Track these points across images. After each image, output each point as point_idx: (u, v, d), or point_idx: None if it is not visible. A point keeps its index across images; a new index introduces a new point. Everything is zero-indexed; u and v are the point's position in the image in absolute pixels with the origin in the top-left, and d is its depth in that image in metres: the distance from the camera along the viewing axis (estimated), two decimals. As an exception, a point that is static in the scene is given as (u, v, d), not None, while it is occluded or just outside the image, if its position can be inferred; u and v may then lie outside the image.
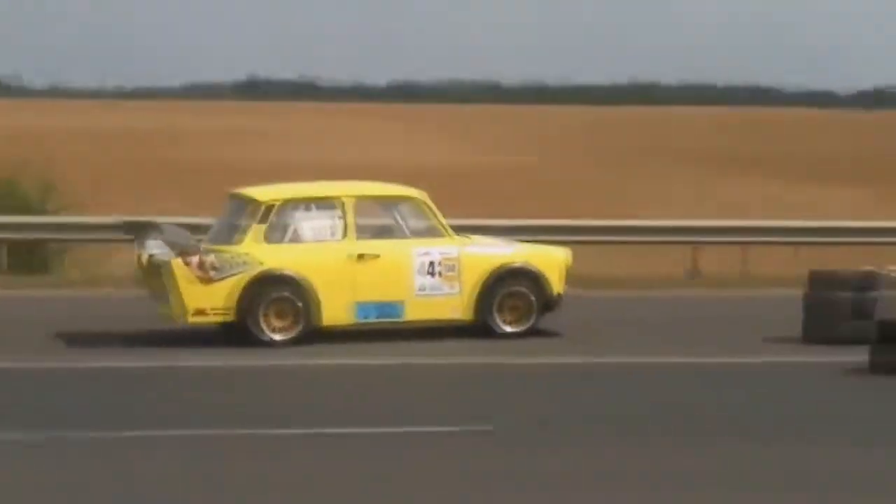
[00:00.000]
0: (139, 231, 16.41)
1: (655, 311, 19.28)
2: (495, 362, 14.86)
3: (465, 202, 25.28)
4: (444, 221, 16.37)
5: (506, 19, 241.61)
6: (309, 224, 16.12)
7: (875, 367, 13.49)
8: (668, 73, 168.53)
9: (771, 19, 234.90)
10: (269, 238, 15.89)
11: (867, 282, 15.68)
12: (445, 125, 73.94)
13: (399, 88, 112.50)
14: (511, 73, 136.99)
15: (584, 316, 16.90)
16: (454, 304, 16.08)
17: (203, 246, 15.88)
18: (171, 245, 15.76)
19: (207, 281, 15.46)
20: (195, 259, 15.49)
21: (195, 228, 18.11)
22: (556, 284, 16.34)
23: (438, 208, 16.34)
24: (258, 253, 15.70)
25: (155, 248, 15.94)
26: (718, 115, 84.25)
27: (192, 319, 15.60)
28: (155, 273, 15.97)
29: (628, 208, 32.47)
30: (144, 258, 16.11)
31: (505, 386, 13.66)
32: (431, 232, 16.29)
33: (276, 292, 15.65)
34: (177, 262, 15.46)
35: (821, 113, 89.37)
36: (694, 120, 79.13)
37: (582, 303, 17.27)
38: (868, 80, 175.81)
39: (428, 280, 16.05)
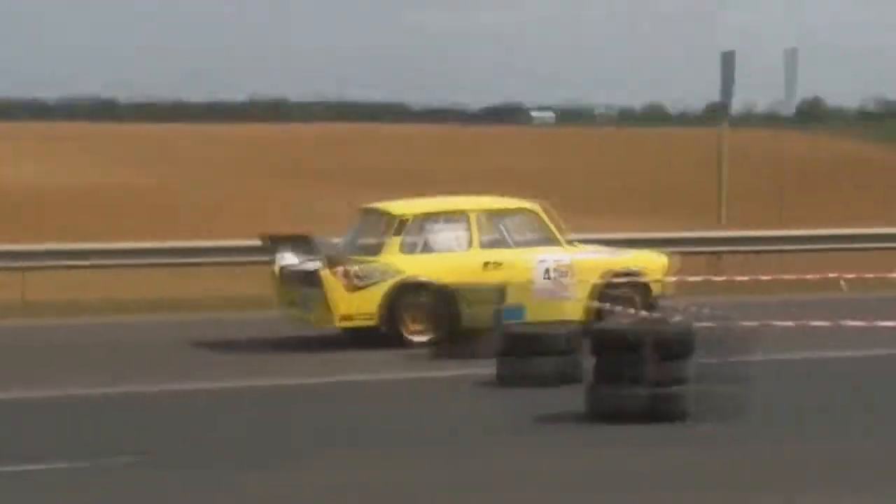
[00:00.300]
0: (277, 244, 17.87)
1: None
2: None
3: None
4: (555, 231, 17.91)
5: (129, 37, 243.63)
6: (440, 236, 17.52)
7: (501, 379, 14.03)
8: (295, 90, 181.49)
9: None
10: (405, 249, 17.26)
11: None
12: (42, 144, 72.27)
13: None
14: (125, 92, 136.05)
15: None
16: (568, 307, 17.11)
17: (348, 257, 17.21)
18: (320, 256, 17.00)
19: (353, 289, 16.70)
20: (342, 269, 16.70)
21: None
22: (656, 287, 17.85)
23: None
24: (397, 262, 17.07)
25: (288, 259, 17.50)
26: (332, 131, 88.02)
27: (339, 324, 16.95)
28: (289, 282, 17.49)
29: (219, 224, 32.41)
30: (277, 269, 17.57)
31: None
32: (545, 241, 17.76)
33: (414, 298, 16.99)
34: (325, 272, 16.65)
35: (445, 129, 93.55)
36: (302, 136, 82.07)
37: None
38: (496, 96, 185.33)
39: (546, 284, 17.40)
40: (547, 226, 17.89)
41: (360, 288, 16.74)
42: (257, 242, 18.54)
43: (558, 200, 20.80)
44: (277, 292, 17.83)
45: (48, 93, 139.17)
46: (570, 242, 18.09)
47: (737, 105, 54.25)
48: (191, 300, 21.70)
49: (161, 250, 23.49)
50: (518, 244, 17.65)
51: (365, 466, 10.37)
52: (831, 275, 20.33)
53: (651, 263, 18.22)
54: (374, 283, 16.84)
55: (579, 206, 31.01)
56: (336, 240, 18.25)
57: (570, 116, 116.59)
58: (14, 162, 58.55)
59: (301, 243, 17.50)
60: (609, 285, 17.51)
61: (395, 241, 17.19)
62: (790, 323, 14.37)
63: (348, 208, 20.83)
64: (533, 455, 10.80)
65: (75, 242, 24.11)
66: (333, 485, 9.80)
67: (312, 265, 17.02)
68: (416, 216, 17.53)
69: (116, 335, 18.52)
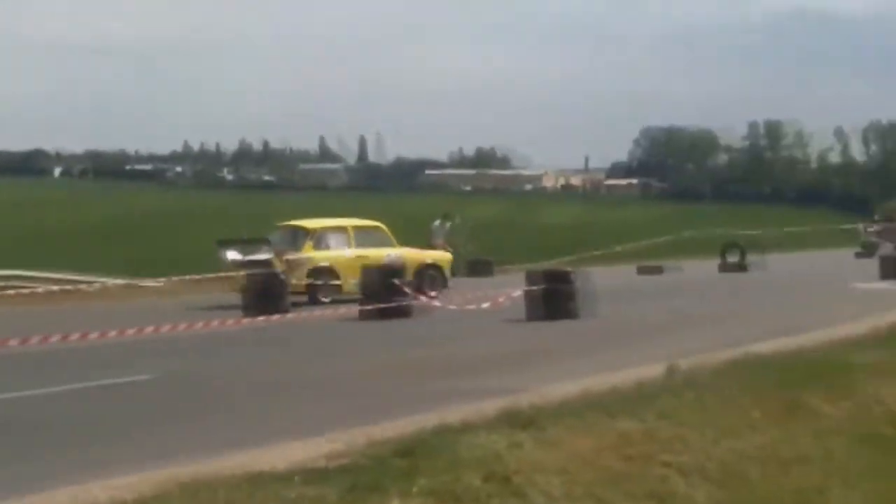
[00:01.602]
0: (225, 246, 28.10)
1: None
2: None
3: None
4: (393, 239, 29.12)
5: None
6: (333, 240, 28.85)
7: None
8: None
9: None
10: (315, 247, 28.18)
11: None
12: None
13: None
14: None
15: None
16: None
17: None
18: (269, 250, 27.41)
19: (291, 270, 26.67)
20: (284, 258, 27.08)
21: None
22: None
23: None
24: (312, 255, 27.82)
25: (234, 255, 27.29)
26: None
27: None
28: (238, 267, 26.66)
29: None
30: (228, 260, 27.50)
31: None
32: (389, 243, 28.93)
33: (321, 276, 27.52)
34: (276, 259, 27.06)
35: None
36: None
37: None
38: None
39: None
40: (389, 236, 29.30)
41: (294, 269, 26.76)
42: None
43: None
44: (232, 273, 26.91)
45: None
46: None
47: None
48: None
49: None
50: (375, 245, 28.57)
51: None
52: None
53: (443, 258, 30.68)
54: (300, 266, 27.13)
55: None
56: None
57: None
58: None
59: (249, 244, 27.74)
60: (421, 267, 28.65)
61: (309, 243, 28.05)
62: None
63: None
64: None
65: None
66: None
67: (264, 256, 26.85)
68: (319, 229, 29.04)
69: None
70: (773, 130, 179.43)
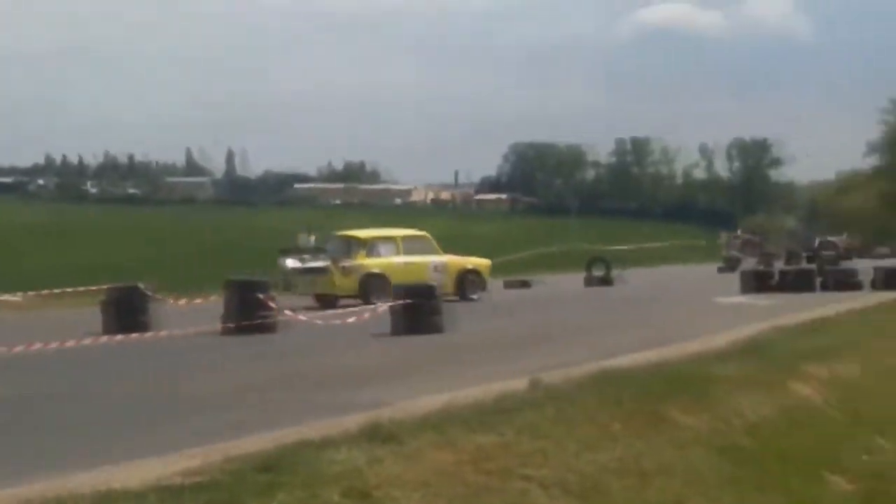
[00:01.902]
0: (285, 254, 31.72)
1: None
2: None
3: None
4: (437, 247, 32.41)
5: None
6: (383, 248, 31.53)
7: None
8: None
9: None
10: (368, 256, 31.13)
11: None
12: None
13: None
14: None
15: None
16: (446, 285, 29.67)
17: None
18: (327, 258, 30.88)
19: (346, 275, 30.50)
20: (339, 265, 30.70)
21: None
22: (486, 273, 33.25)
23: None
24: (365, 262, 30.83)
25: (292, 262, 31.18)
26: None
27: (337, 292, 30.35)
28: (296, 273, 30.68)
29: None
30: (288, 266, 31.07)
31: None
32: (433, 251, 32.16)
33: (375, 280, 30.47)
34: (332, 266, 30.63)
35: None
36: None
37: None
38: None
39: (435, 275, 30.29)
40: (433, 244, 32.38)
41: (348, 275, 30.25)
42: None
43: None
44: (292, 279, 30.28)
45: None
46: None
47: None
48: None
49: None
50: (421, 253, 31.73)
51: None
52: None
53: (482, 263, 33.29)
54: (354, 272, 30.38)
55: None
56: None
57: None
58: None
59: (308, 252, 31.61)
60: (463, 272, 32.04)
61: (362, 252, 31.05)
62: None
63: None
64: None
65: None
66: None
67: (321, 263, 30.38)
68: (371, 239, 31.90)
69: None
70: (640, 147, 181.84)
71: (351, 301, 28.32)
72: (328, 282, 30.20)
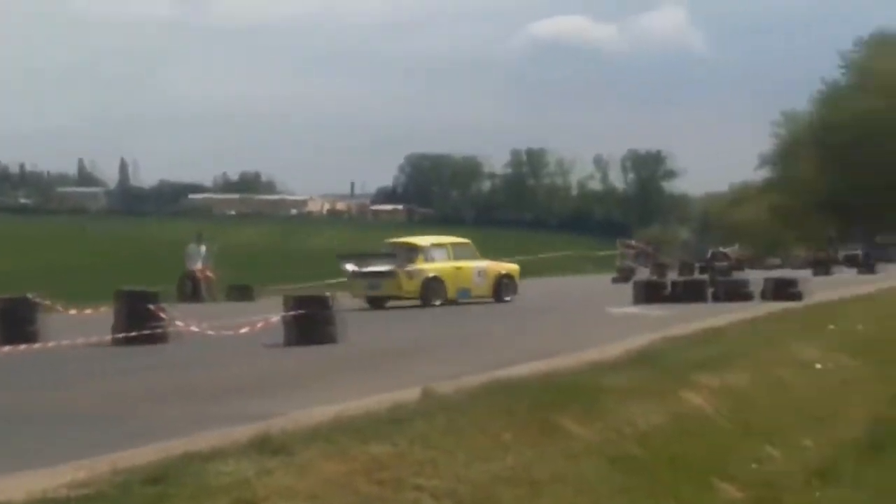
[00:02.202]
0: (344, 259, 35.72)
1: None
2: None
3: None
4: (478, 253, 35.83)
5: None
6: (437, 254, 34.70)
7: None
8: None
9: None
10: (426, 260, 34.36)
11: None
12: None
13: None
14: None
15: None
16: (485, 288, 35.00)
17: None
18: (391, 263, 33.90)
19: (409, 278, 33.66)
20: (403, 269, 33.64)
21: None
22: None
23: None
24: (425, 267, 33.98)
25: (352, 266, 34.49)
26: None
27: (402, 294, 33.58)
28: (359, 276, 34.05)
29: None
30: (350, 271, 34.58)
31: None
32: (476, 257, 35.45)
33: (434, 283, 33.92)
34: (398, 270, 33.55)
35: None
36: None
37: None
38: None
39: (478, 280, 34.82)
40: (475, 250, 35.71)
41: (412, 278, 33.30)
42: None
43: None
44: (351, 282, 33.96)
45: None
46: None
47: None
48: None
49: None
50: (467, 258, 35.06)
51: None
52: None
53: (514, 269, 36.74)
54: (415, 276, 33.37)
55: None
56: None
57: None
58: None
59: (365, 257, 35.18)
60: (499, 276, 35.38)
61: (421, 257, 34.00)
62: None
63: None
64: None
65: None
66: None
67: (384, 267, 33.47)
68: (428, 246, 34.92)
69: None
70: (536, 158, 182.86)
71: (409, 303, 33.16)
72: (394, 284, 33.25)
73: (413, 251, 34.35)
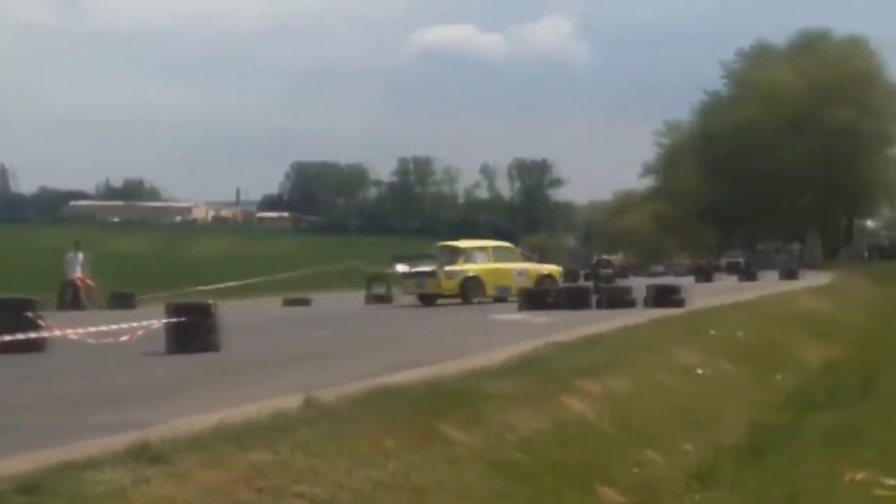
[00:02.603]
0: (397, 260, 42.88)
1: None
2: None
3: None
4: (521, 255, 42.52)
5: None
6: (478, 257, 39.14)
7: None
8: None
9: None
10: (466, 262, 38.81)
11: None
12: None
13: None
14: None
15: None
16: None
17: None
18: (434, 264, 39.06)
19: (449, 277, 38.12)
20: (444, 269, 38.51)
21: None
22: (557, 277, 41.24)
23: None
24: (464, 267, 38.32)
25: (402, 267, 40.66)
26: None
27: (442, 291, 37.80)
28: (408, 276, 39.46)
29: None
30: (400, 271, 40.63)
31: None
32: (518, 258, 41.29)
33: (472, 282, 38.33)
34: (440, 270, 38.29)
35: None
36: None
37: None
38: None
39: (519, 279, 38.22)
40: (517, 252, 41.63)
41: (451, 278, 37.27)
42: None
43: None
44: (403, 282, 39.29)
45: None
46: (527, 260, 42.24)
47: None
48: None
49: None
50: (508, 260, 39.26)
51: None
52: None
53: (554, 269, 41.27)
54: (456, 276, 37.35)
55: None
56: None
57: None
58: None
59: (415, 259, 40.72)
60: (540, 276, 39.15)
61: (462, 259, 38.18)
62: None
63: None
64: None
65: None
66: None
67: (429, 268, 38.16)
68: (469, 248, 39.45)
69: None
70: (422, 166, 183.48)
71: (451, 301, 37.19)
72: (435, 283, 37.52)
73: (455, 253, 38.89)
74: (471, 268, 37.73)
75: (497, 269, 37.76)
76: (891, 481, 8.02)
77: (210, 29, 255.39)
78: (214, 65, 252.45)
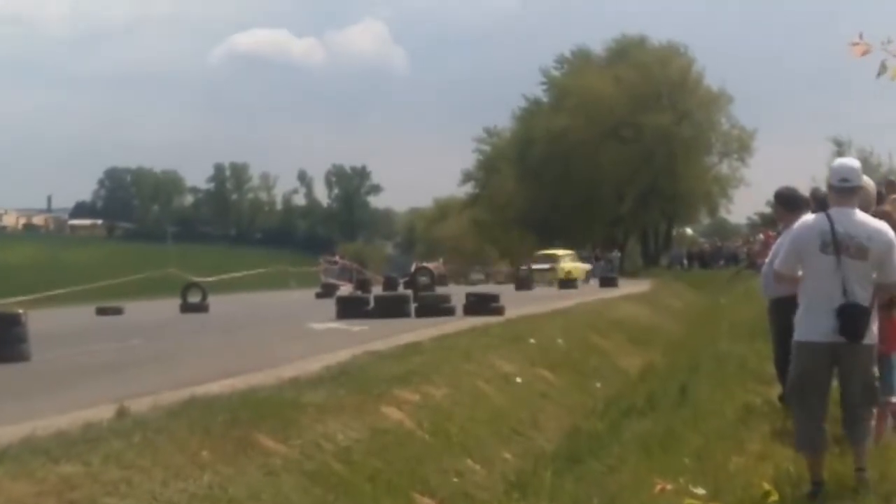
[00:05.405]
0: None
1: None
2: None
3: None
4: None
5: None
6: (569, 259, 67.59)
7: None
8: None
9: None
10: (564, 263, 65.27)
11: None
12: None
13: None
14: None
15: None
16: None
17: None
18: (551, 266, 64.78)
19: (561, 273, 61.82)
20: (555, 267, 64.84)
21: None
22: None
23: None
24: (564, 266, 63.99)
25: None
26: None
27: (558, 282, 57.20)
28: (533, 272, 61.51)
29: None
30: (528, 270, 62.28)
31: None
32: (582, 260, 70.47)
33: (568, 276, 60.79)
34: (555, 267, 63.52)
35: None
36: None
37: None
38: None
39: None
40: (578, 256, 68.39)
41: (555, 274, 59.61)
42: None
43: None
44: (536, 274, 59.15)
45: None
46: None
47: None
48: None
49: None
50: (581, 260, 67.77)
51: None
52: None
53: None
54: (558, 273, 59.93)
55: None
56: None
57: None
58: None
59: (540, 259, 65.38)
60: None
61: (561, 261, 64.01)
62: None
63: None
64: None
65: None
66: None
67: (547, 266, 62.46)
68: (564, 254, 66.47)
69: None
70: (239, 172, 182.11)
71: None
72: (554, 276, 58.18)
73: (554, 258, 64.24)
74: (566, 267, 63.22)
75: (575, 268, 63.85)
76: (700, 490, 8.13)
77: (19, 33, 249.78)
78: (23, 70, 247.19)
